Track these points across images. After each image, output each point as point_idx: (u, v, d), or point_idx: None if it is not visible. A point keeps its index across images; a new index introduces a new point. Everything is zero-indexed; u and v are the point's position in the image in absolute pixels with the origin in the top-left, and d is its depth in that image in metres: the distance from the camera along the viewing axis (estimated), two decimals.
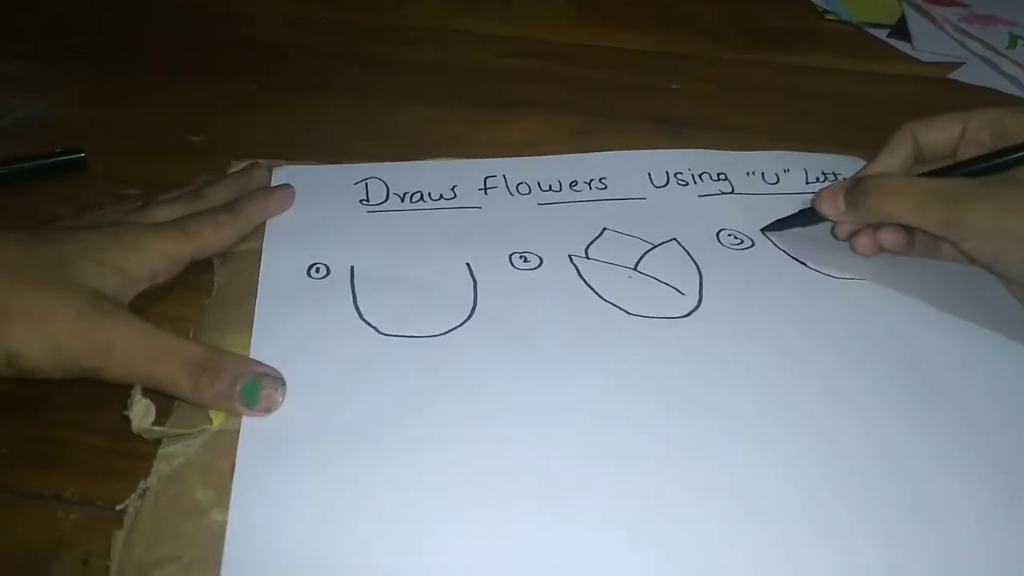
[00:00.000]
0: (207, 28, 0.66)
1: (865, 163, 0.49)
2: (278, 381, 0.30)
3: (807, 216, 0.41)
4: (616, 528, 0.27)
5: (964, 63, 0.64)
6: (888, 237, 0.39)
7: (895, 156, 0.40)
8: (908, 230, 0.39)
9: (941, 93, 0.61)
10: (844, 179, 0.47)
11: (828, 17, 0.73)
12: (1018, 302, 0.38)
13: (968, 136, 0.39)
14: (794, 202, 0.45)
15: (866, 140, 0.52)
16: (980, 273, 0.40)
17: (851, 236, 0.40)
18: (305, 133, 0.51)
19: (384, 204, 0.43)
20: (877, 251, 0.40)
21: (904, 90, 0.61)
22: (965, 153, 0.39)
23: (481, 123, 0.53)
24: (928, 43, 0.67)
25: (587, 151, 0.49)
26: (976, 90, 0.61)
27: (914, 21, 0.70)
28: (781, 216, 0.42)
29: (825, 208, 0.39)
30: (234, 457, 0.28)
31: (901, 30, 0.69)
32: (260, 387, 0.30)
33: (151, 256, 0.34)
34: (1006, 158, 0.36)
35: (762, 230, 0.42)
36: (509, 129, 0.52)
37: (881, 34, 0.69)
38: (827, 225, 0.42)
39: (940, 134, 0.40)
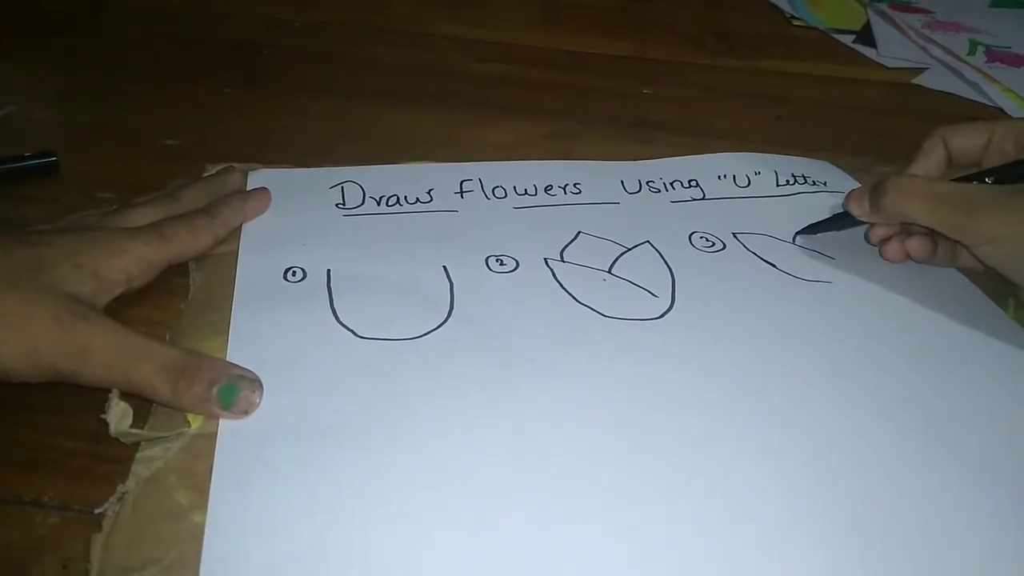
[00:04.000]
0: (183, 30, 0.66)
1: (832, 166, 0.50)
2: (255, 383, 0.30)
3: (839, 220, 0.42)
4: (595, 527, 0.27)
5: (927, 68, 0.66)
6: (915, 245, 0.40)
7: (929, 160, 0.41)
8: (933, 240, 0.40)
9: (905, 98, 0.62)
10: (815, 183, 0.49)
11: (795, 23, 0.74)
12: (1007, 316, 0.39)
13: (993, 145, 0.40)
14: (766, 205, 0.46)
15: (834, 143, 0.53)
16: (945, 275, 0.41)
17: (882, 242, 0.41)
18: (281, 136, 0.51)
19: (360, 207, 0.43)
20: (904, 258, 0.41)
21: (870, 94, 0.63)
22: (989, 161, 0.40)
23: (457, 126, 0.53)
24: (892, 49, 0.69)
25: (560, 154, 0.50)
26: (939, 95, 0.62)
27: (879, 27, 0.72)
28: (813, 221, 0.43)
29: (853, 208, 0.40)
30: (212, 460, 0.28)
31: (866, 36, 0.71)
32: (237, 389, 0.30)
33: (127, 260, 0.34)
34: None
35: (796, 234, 0.43)
36: (484, 132, 0.53)
37: (847, 39, 0.71)
38: (788, 231, 0.43)
39: (967, 140, 0.41)
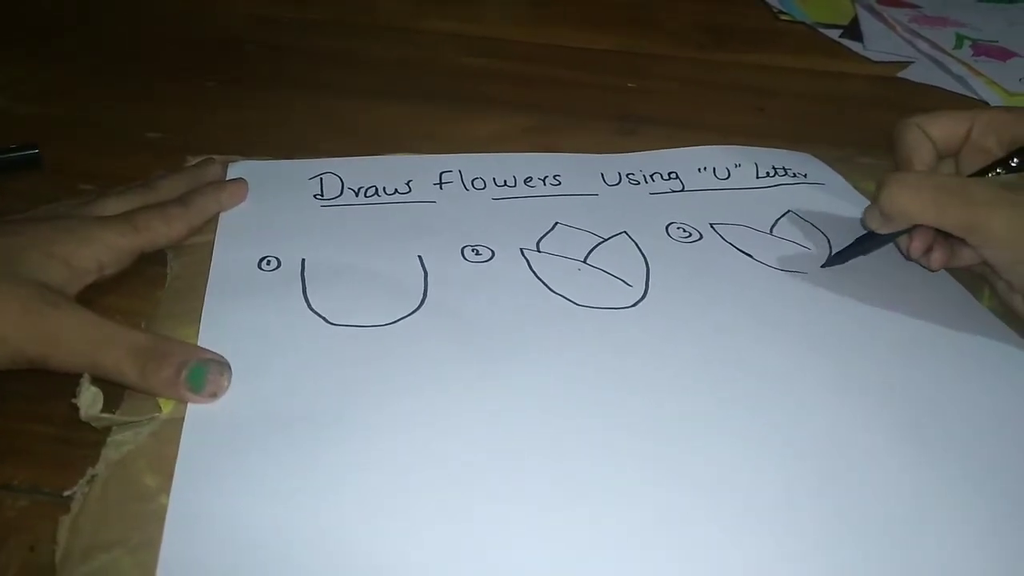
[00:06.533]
0: (167, 25, 0.66)
1: (813, 158, 0.50)
2: (224, 366, 0.31)
3: (864, 242, 0.39)
4: (565, 514, 0.27)
5: (913, 62, 0.66)
6: (963, 253, 0.38)
7: (923, 155, 0.38)
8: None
9: (890, 91, 0.62)
10: (796, 174, 0.49)
11: (782, 17, 0.74)
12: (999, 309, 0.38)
13: (973, 139, 0.38)
14: (745, 196, 0.46)
15: (817, 136, 0.53)
16: (918, 265, 0.41)
17: (924, 254, 0.38)
18: (264, 130, 0.51)
19: (338, 198, 0.43)
20: (946, 263, 0.38)
21: (854, 88, 0.63)
22: (968, 156, 0.38)
23: (442, 120, 0.53)
24: (879, 43, 0.69)
25: (543, 148, 0.50)
26: (924, 88, 0.62)
27: (866, 21, 0.72)
28: (838, 250, 0.41)
29: (868, 220, 0.38)
30: None
31: (853, 30, 0.71)
32: (206, 372, 0.30)
33: (98, 249, 0.34)
34: None
35: (822, 267, 0.40)
36: (467, 126, 0.53)
37: (834, 34, 0.71)
38: (766, 222, 0.43)
39: (945, 131, 0.38)
